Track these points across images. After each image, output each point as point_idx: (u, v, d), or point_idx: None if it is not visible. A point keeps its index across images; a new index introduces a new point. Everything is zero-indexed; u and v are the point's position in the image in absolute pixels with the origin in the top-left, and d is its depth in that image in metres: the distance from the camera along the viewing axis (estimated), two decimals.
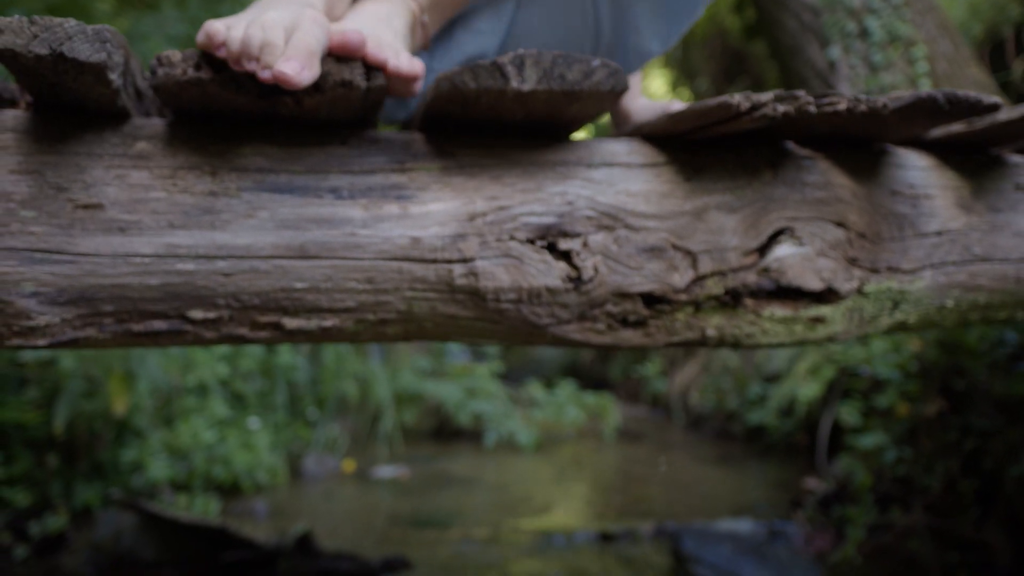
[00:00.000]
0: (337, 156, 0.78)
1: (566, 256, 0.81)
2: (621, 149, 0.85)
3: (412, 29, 0.95)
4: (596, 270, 0.81)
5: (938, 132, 0.95)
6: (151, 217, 0.73)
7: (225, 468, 3.27)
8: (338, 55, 0.73)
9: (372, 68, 0.74)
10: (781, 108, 0.76)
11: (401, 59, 0.77)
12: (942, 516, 2.37)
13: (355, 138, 0.79)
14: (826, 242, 0.88)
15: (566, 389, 5.26)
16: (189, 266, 0.73)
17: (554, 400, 5.10)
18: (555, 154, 0.83)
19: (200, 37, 0.72)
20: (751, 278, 0.86)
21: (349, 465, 3.95)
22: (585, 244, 0.81)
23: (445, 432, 4.88)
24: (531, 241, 0.80)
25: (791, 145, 0.90)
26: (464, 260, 0.79)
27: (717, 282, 0.85)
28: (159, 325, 0.75)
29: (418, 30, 0.97)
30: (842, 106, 0.78)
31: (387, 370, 4.49)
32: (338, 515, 3.18)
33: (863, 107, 0.79)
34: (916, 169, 0.94)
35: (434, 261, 0.78)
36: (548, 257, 0.81)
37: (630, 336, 0.86)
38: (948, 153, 0.97)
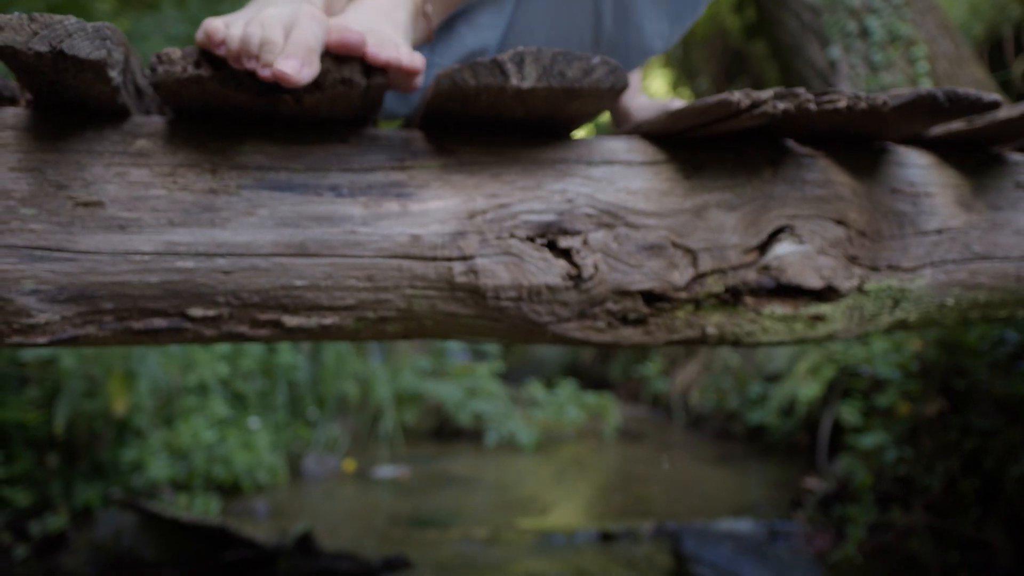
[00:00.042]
0: (337, 154, 0.78)
1: (566, 254, 0.81)
2: (621, 147, 0.85)
3: (414, 20, 0.95)
4: (596, 268, 0.81)
5: (938, 130, 0.95)
6: (151, 215, 0.73)
7: (225, 468, 3.27)
8: (338, 54, 0.73)
9: (372, 66, 0.74)
10: (781, 105, 0.76)
11: (402, 55, 0.77)
12: (942, 516, 2.37)
13: (355, 136, 0.79)
14: (826, 240, 0.88)
15: (566, 389, 5.26)
16: (189, 264, 0.73)
17: (554, 400, 5.11)
18: (555, 152, 0.83)
19: (199, 35, 0.72)
20: (751, 276, 0.86)
21: (349, 465, 3.95)
22: (585, 242, 0.81)
23: (445, 432, 4.88)
24: (531, 239, 0.80)
25: (791, 143, 0.90)
26: (464, 258, 0.78)
27: (717, 280, 0.85)
28: (159, 323, 0.75)
29: (421, 20, 0.97)
30: (842, 104, 0.78)
31: (387, 370, 4.49)
32: (338, 515, 3.18)
33: (863, 105, 0.78)
34: (916, 167, 0.94)
35: (434, 259, 0.78)
36: (548, 255, 0.81)
37: (630, 334, 0.86)
38: (948, 151, 0.97)
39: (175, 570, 2.44)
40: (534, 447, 4.51)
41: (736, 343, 0.90)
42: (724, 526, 2.82)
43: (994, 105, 0.81)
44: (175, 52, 0.70)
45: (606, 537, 2.80)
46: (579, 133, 0.90)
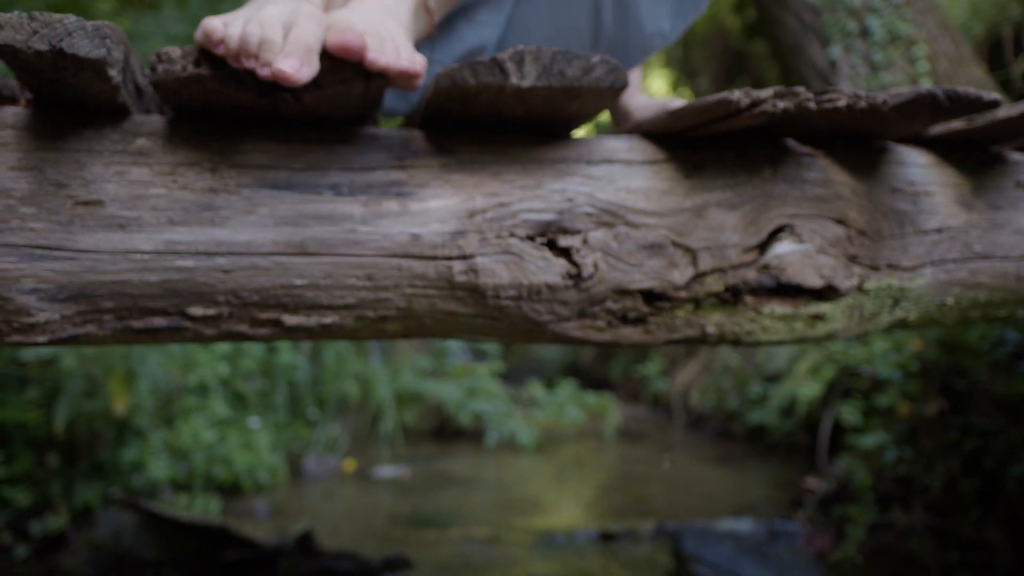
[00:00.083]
0: (337, 153, 0.78)
1: (566, 253, 0.81)
2: (621, 146, 0.85)
3: (417, 14, 0.94)
4: (596, 267, 0.81)
5: (938, 129, 0.95)
6: (151, 214, 0.73)
7: (225, 468, 3.27)
8: (337, 56, 0.73)
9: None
10: (781, 104, 0.76)
11: (402, 58, 0.76)
12: (943, 516, 2.37)
13: (355, 135, 0.79)
14: (826, 239, 0.88)
15: (566, 389, 5.26)
16: (189, 263, 0.73)
17: (555, 400, 5.10)
18: (555, 151, 0.83)
19: (198, 35, 0.72)
20: (751, 275, 0.86)
21: (350, 465, 3.95)
22: (585, 241, 0.81)
23: (446, 432, 4.88)
24: (531, 238, 0.80)
25: (791, 142, 0.90)
26: (464, 257, 0.78)
27: (717, 279, 0.85)
28: (159, 322, 0.75)
29: (423, 15, 0.96)
30: (842, 102, 0.78)
31: (388, 370, 4.49)
32: (338, 515, 3.18)
33: (863, 104, 0.78)
34: (916, 166, 0.94)
35: (434, 258, 0.78)
36: (548, 254, 0.81)
37: (630, 333, 0.86)
38: (948, 150, 0.97)
39: (175, 570, 2.44)
40: (534, 447, 4.51)
41: (736, 342, 0.90)
42: (724, 526, 2.82)
43: (994, 104, 0.81)
44: (175, 51, 0.70)
45: (606, 537, 2.80)
46: (579, 132, 0.90)
